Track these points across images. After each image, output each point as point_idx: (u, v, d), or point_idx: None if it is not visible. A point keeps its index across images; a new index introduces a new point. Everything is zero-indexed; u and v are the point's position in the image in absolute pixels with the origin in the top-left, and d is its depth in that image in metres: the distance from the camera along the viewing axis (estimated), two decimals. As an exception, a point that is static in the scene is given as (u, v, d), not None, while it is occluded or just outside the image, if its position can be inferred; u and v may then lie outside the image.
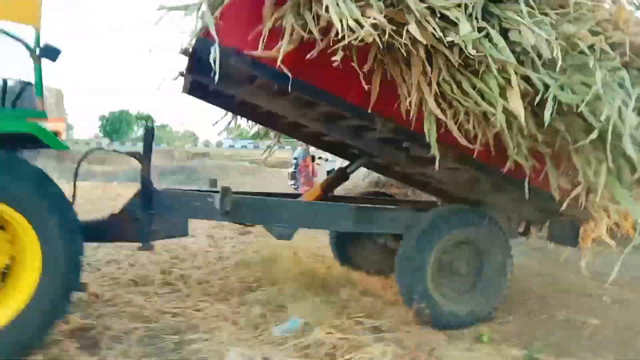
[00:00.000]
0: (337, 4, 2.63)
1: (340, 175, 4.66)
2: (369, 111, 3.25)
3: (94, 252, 5.96)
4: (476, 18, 2.77)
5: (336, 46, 2.73)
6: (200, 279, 5.16)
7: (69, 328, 3.63)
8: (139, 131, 59.23)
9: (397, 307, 4.14)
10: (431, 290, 3.79)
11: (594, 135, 2.85)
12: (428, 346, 3.46)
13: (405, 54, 2.80)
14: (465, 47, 2.68)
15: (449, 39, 2.71)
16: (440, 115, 2.97)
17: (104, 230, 3.84)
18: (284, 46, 2.86)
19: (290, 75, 3.01)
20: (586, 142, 2.95)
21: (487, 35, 2.75)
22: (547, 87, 2.79)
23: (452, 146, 3.28)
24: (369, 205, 4.04)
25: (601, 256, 4.31)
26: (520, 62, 2.82)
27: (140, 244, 3.87)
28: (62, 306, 3.11)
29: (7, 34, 3.09)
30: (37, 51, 3.08)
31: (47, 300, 2.97)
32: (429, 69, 2.86)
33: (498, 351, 3.42)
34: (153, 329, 3.73)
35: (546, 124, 2.83)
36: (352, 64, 3.04)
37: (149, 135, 3.87)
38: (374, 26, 2.62)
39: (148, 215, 3.78)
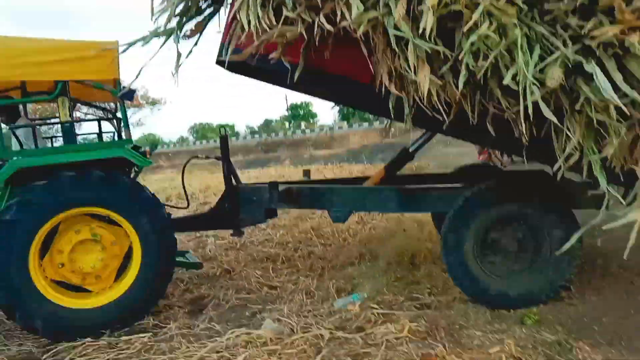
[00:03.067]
0: (247, 9, 2.92)
1: (404, 155, 4.68)
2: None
3: (253, 233, 7.26)
4: None
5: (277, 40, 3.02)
6: (320, 255, 5.85)
7: (190, 297, 4.79)
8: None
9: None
10: (473, 269, 3.63)
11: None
12: (457, 324, 3.42)
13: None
14: (356, 30, 2.65)
15: (343, 23, 2.70)
16: (394, 91, 2.92)
17: (208, 221, 4.85)
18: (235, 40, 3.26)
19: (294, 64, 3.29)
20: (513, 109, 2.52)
21: (390, 13, 2.61)
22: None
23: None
24: (414, 186, 4.03)
25: None
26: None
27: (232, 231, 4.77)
28: (161, 282, 4.15)
29: (98, 86, 4.25)
30: (119, 95, 4.17)
31: (147, 278, 4.05)
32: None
33: (533, 336, 3.15)
34: (247, 300, 4.57)
35: (459, 91, 2.58)
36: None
37: (224, 143, 4.68)
38: (292, 21, 2.84)
39: (234, 208, 4.62)
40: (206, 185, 14.41)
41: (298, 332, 3.56)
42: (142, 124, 38.70)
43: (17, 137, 4.55)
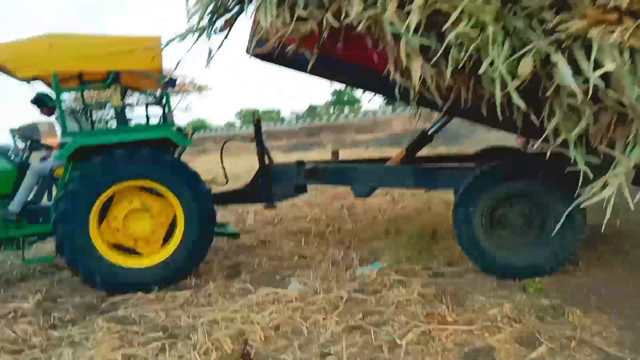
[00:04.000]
0: (265, 9, 3.31)
1: (423, 138, 4.97)
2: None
3: (290, 210, 7.74)
4: None
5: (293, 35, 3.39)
6: (350, 231, 6.24)
7: (229, 263, 5.29)
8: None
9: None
10: (482, 241, 3.92)
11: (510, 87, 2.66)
12: (464, 290, 3.74)
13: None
14: (357, 25, 2.98)
15: (346, 20, 3.03)
16: (398, 79, 3.20)
17: (243, 195, 5.34)
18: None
19: (311, 54, 3.68)
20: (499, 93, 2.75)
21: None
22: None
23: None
24: (429, 164, 4.34)
25: None
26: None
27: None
28: (201, 247, 4.66)
29: (145, 75, 4.76)
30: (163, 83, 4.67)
31: (189, 244, 4.57)
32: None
33: (531, 301, 3.43)
34: (279, 266, 5.03)
35: (446, 81, 2.87)
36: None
37: (258, 126, 5.13)
38: (303, 20, 3.21)
39: (267, 183, 5.07)
40: (251, 167, 14.95)
41: (320, 293, 3.98)
42: (190, 109, 40.14)
43: (77, 120, 5.15)
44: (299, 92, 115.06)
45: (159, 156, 4.51)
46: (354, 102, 56.42)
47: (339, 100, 56.13)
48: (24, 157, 5.17)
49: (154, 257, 4.59)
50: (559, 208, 3.71)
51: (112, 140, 4.49)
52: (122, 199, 4.54)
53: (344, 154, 18.48)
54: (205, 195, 4.66)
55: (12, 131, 5.66)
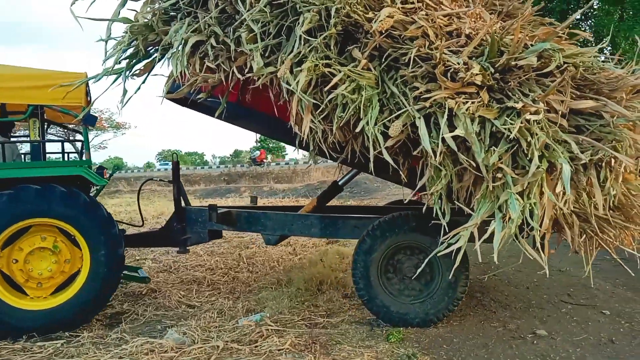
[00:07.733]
0: (177, 58, 3.54)
1: (334, 188, 5.32)
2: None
3: (190, 259, 7.68)
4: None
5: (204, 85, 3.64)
6: (244, 280, 6.31)
7: (111, 312, 5.16)
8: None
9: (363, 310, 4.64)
10: (377, 291, 4.19)
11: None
12: (335, 341, 3.94)
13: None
14: (257, 79, 3.29)
15: (249, 74, 3.35)
16: (297, 130, 3.51)
17: (156, 239, 5.34)
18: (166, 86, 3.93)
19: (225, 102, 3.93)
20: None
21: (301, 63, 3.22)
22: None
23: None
24: (334, 215, 4.65)
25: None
26: None
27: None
28: (105, 294, 4.58)
29: (62, 110, 4.76)
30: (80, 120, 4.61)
31: (93, 290, 4.45)
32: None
33: (391, 351, 3.70)
34: (164, 316, 4.98)
35: (334, 136, 3.26)
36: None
37: (176, 168, 5.22)
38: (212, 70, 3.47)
39: (181, 228, 5.10)
40: (161, 212, 14.67)
41: (198, 343, 4.01)
42: (105, 147, 38.82)
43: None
44: (224, 135, 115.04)
45: (72, 195, 4.40)
46: (279, 149, 57.19)
47: (263, 146, 56.64)
48: None
49: (38, 303, 4.39)
50: (446, 262, 3.94)
51: (21, 175, 4.39)
52: (37, 233, 4.39)
53: (259, 202, 18.63)
54: (118, 240, 4.59)
55: None
